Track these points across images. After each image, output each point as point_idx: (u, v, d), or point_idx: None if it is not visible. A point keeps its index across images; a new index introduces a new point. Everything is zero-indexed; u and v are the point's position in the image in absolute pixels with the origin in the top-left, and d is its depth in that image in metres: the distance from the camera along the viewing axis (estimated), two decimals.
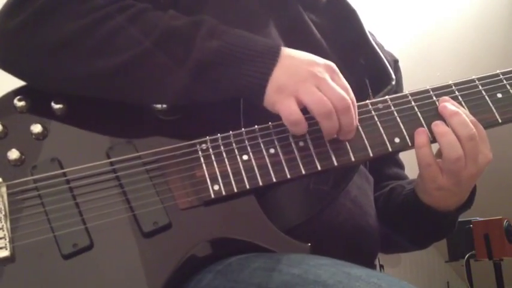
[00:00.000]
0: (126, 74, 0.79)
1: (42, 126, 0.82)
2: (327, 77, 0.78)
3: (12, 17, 0.81)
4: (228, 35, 0.79)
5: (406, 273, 4.07)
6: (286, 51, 0.80)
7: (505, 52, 3.50)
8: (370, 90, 0.97)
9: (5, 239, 0.73)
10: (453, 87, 0.88)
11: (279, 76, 0.78)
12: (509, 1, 3.47)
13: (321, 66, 0.79)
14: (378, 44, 1.03)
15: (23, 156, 0.80)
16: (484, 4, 3.43)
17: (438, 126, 0.84)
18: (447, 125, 0.83)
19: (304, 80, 0.77)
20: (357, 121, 0.81)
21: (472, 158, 0.82)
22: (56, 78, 0.82)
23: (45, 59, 0.81)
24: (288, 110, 0.77)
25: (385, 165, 1.12)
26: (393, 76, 0.95)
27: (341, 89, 0.78)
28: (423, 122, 0.85)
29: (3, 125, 0.81)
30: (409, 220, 0.98)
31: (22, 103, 0.83)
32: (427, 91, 0.88)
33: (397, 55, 1.15)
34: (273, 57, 0.79)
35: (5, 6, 0.83)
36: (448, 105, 0.85)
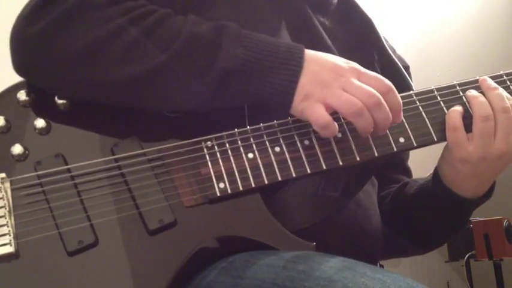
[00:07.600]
0: (149, 81, 0.78)
1: (46, 121, 0.81)
2: (352, 78, 0.77)
3: (32, 24, 0.79)
4: (251, 41, 0.78)
5: (406, 273, 4.07)
6: (309, 55, 0.79)
7: (505, 52, 3.50)
8: None
9: (10, 235, 0.72)
10: (457, 87, 0.89)
11: (305, 83, 0.78)
12: (509, 1, 3.47)
13: (345, 69, 0.78)
14: (390, 48, 1.02)
15: (27, 152, 0.79)
16: (484, 4, 3.43)
17: (471, 91, 0.86)
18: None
19: (329, 85, 0.77)
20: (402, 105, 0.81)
21: (503, 131, 0.82)
22: (78, 85, 0.81)
23: (68, 66, 0.79)
24: (316, 115, 0.77)
25: (393, 171, 1.11)
26: (413, 87, 0.94)
27: (370, 84, 0.77)
28: (428, 122, 0.85)
29: (6, 120, 0.81)
30: (422, 209, 0.97)
31: (25, 97, 0.83)
32: (431, 91, 0.88)
33: None
34: (298, 63, 0.78)
35: (24, 11, 0.82)
36: (489, 79, 0.87)
